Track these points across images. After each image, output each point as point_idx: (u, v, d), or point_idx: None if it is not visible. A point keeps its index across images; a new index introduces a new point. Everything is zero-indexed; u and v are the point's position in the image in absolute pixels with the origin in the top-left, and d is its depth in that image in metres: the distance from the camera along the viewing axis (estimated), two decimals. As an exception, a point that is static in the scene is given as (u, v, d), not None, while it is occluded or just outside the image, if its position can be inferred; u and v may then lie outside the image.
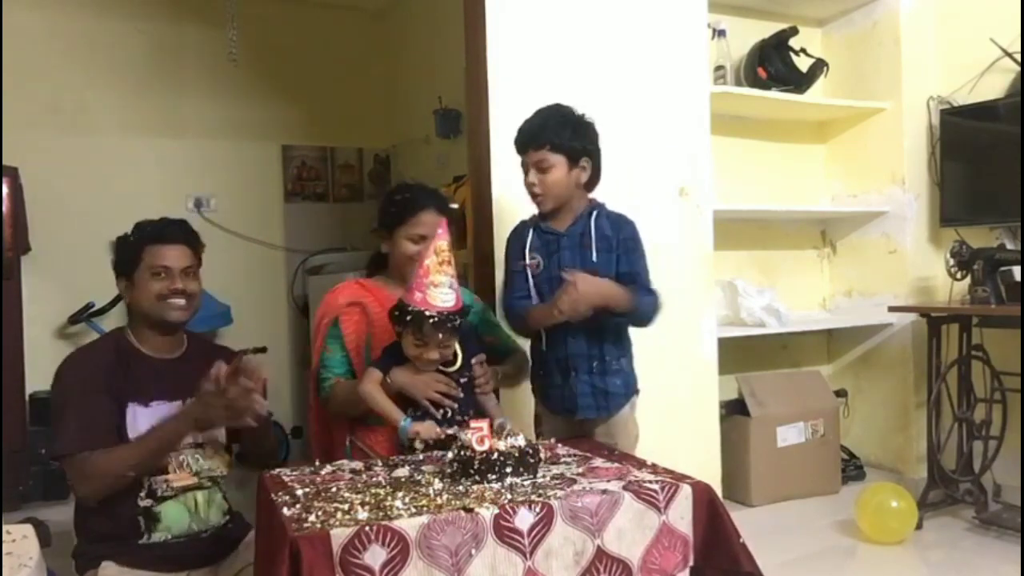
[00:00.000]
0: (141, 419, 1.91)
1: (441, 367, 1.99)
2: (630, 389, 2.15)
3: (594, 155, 2.10)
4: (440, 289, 1.88)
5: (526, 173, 2.10)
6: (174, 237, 2.03)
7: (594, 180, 2.14)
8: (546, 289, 2.09)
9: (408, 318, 1.89)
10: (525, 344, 2.29)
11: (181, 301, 2.00)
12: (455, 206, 2.30)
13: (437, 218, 2.12)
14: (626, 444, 2.08)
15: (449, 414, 1.96)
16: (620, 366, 2.13)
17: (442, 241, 1.92)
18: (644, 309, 2.05)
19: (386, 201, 2.23)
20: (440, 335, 1.90)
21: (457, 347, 2.02)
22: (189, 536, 1.94)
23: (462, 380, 2.01)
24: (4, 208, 3.77)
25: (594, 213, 2.10)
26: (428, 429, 1.90)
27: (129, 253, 2.01)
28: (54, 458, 1.93)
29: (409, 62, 5.28)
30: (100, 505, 1.87)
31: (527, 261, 2.11)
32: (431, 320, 1.87)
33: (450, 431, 1.88)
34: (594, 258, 2.06)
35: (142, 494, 1.90)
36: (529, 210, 2.23)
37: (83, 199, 4.61)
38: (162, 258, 1.99)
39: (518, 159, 2.16)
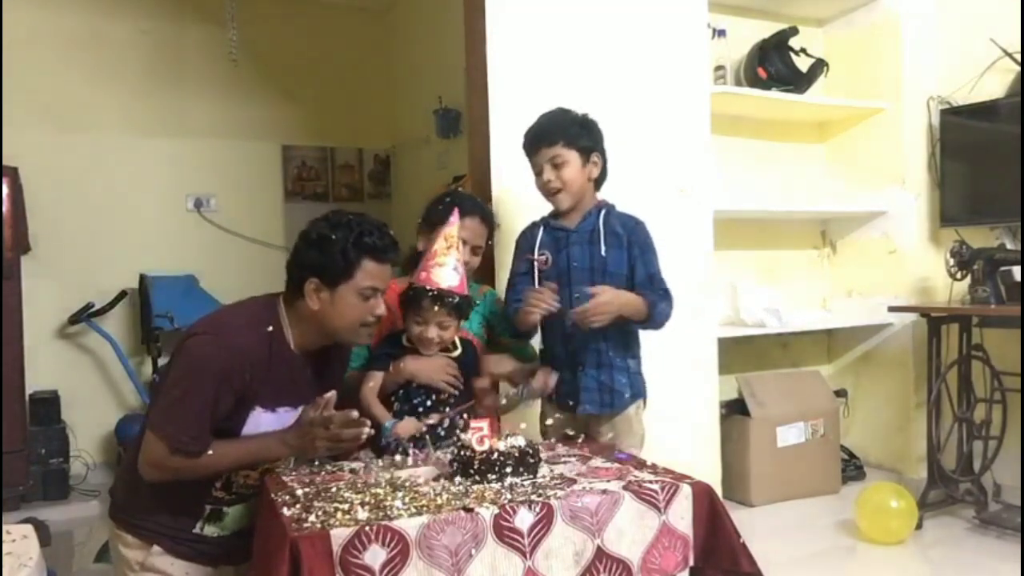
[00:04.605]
0: (263, 426, 1.78)
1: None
2: (635, 391, 2.16)
3: (602, 152, 2.15)
4: (444, 269, 1.96)
5: (539, 173, 2.13)
6: (392, 255, 1.81)
7: (602, 178, 2.18)
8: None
9: (410, 294, 1.97)
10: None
11: (373, 329, 1.83)
12: (498, 223, 2.38)
13: (471, 222, 2.18)
14: (631, 445, 2.09)
15: (451, 399, 2.01)
16: (626, 365, 2.14)
17: (452, 228, 2.01)
18: (659, 317, 2.09)
19: (435, 201, 2.27)
20: (436, 310, 1.95)
21: (456, 337, 2.07)
22: (239, 532, 1.84)
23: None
24: (4, 208, 3.77)
25: (603, 211, 2.14)
26: (406, 428, 1.93)
27: (341, 261, 1.74)
28: (152, 430, 1.71)
29: (409, 62, 5.28)
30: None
31: (535, 256, 2.15)
32: (430, 294, 1.94)
33: (430, 422, 1.94)
34: (603, 252, 2.09)
35: (218, 484, 1.79)
36: (529, 210, 2.24)
37: (83, 199, 4.61)
38: (378, 279, 1.78)
39: (518, 159, 2.19)
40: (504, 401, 2.11)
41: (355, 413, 1.70)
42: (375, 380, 2.01)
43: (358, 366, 2.14)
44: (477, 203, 2.27)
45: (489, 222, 2.26)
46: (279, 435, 1.78)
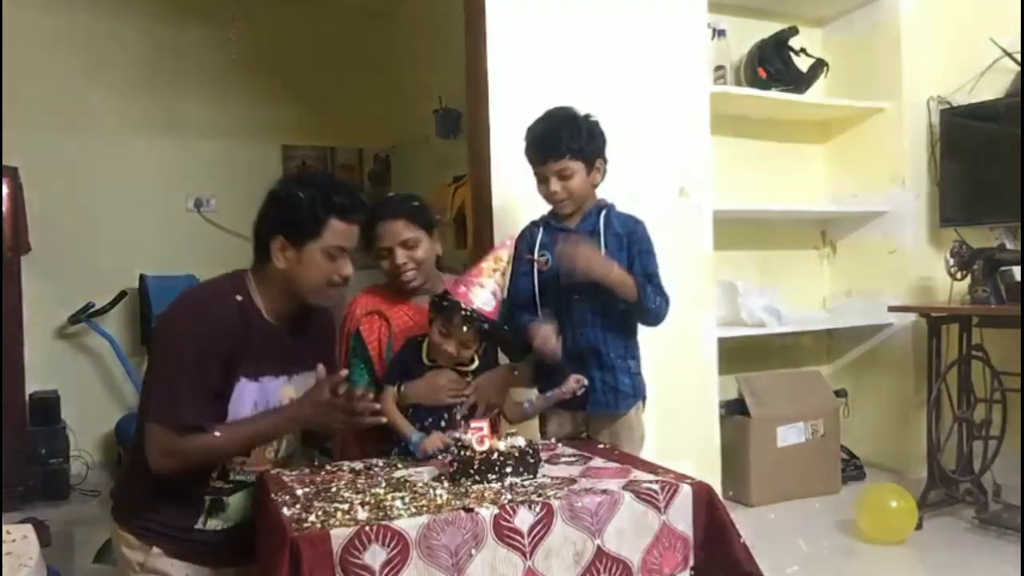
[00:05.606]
0: (247, 396, 1.77)
1: (457, 367, 2.03)
2: (637, 391, 2.16)
3: (605, 156, 2.14)
4: (483, 291, 1.96)
5: (544, 182, 2.11)
6: (360, 215, 1.82)
7: (602, 178, 2.17)
8: (552, 286, 2.11)
9: (444, 304, 1.96)
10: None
11: (340, 291, 1.83)
12: (417, 203, 2.25)
13: (391, 225, 2.15)
14: (631, 446, 2.09)
15: (458, 416, 1.98)
16: (627, 366, 2.14)
17: (503, 251, 2.03)
18: (650, 304, 2.07)
19: None
20: (465, 330, 1.95)
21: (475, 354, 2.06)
22: (242, 524, 1.82)
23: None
24: (4, 208, 3.77)
25: (603, 211, 2.14)
26: (434, 443, 1.91)
27: (308, 219, 1.74)
28: (152, 421, 1.70)
29: (409, 62, 5.28)
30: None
31: (535, 257, 2.14)
32: (463, 313, 1.93)
33: (456, 435, 1.90)
34: (603, 253, 2.08)
35: (214, 474, 1.78)
36: (529, 210, 2.24)
37: (83, 199, 4.61)
38: (345, 238, 1.77)
39: (518, 159, 2.17)
40: (527, 406, 2.09)
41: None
42: (390, 394, 1.99)
43: (363, 384, 2.13)
44: (398, 204, 2.20)
45: (414, 216, 2.18)
46: (290, 412, 1.78)
